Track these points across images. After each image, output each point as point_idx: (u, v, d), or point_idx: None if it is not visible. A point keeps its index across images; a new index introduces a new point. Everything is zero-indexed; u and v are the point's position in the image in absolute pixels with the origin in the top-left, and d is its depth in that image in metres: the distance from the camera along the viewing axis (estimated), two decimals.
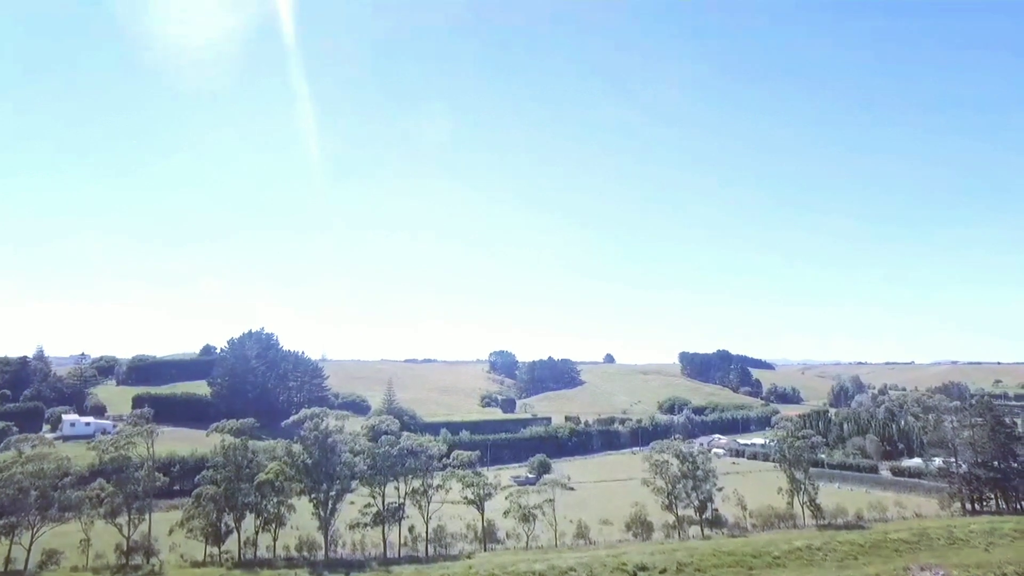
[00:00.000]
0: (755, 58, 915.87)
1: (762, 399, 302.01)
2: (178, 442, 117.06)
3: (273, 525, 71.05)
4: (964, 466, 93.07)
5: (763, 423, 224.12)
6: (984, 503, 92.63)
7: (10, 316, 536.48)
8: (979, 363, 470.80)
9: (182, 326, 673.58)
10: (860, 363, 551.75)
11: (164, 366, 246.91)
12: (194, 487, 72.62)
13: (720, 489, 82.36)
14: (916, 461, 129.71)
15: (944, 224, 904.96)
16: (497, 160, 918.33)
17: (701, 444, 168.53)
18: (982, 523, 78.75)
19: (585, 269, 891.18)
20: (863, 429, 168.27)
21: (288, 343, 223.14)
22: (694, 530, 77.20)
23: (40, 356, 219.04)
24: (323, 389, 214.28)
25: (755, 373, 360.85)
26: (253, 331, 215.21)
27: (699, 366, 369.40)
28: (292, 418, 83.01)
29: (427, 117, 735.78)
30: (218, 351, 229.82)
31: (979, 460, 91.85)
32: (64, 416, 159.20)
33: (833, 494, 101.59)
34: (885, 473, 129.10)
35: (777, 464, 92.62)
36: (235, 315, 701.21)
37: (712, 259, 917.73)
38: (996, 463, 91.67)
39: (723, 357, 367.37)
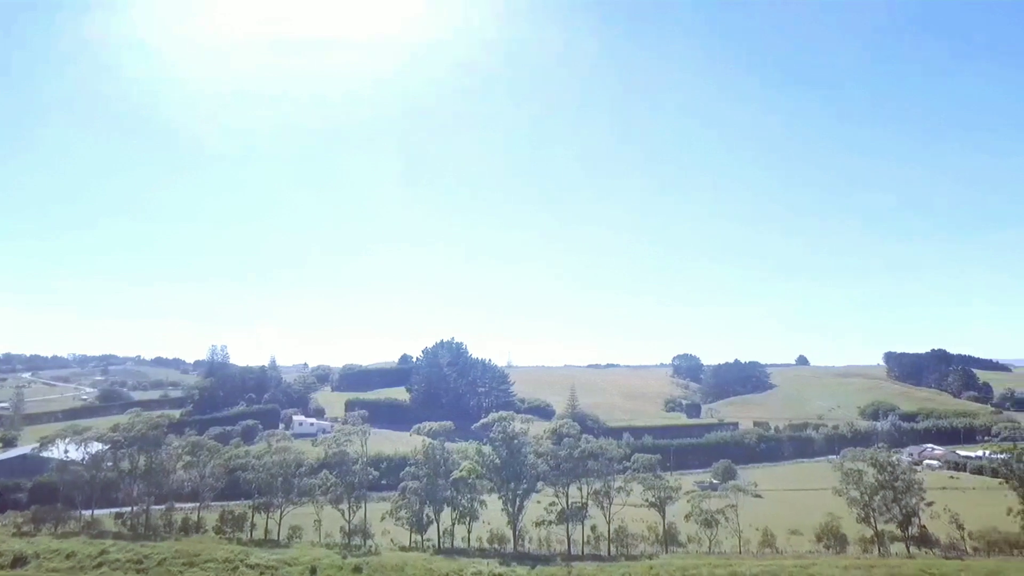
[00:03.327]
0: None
1: (993, 406, 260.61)
2: (382, 442, 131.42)
3: (467, 518, 78.34)
4: None
5: (993, 433, 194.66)
6: None
7: (247, 331, 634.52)
8: None
9: (382, 335, 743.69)
10: None
11: (368, 374, 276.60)
12: (398, 482, 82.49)
13: (929, 504, 74.85)
14: None
15: None
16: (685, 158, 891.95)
17: (910, 454, 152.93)
18: None
19: (772, 265, 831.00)
20: None
21: (476, 351, 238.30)
22: (897, 547, 70.87)
23: (273, 365, 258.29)
24: (509, 395, 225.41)
25: (983, 376, 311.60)
26: (444, 340, 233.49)
27: (909, 368, 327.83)
28: (481, 421, 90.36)
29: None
30: (414, 359, 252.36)
31: None
32: (294, 417, 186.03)
33: None
34: None
35: (1005, 480, 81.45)
36: (429, 325, 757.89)
37: (921, 243, 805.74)
38: None
39: (940, 357, 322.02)
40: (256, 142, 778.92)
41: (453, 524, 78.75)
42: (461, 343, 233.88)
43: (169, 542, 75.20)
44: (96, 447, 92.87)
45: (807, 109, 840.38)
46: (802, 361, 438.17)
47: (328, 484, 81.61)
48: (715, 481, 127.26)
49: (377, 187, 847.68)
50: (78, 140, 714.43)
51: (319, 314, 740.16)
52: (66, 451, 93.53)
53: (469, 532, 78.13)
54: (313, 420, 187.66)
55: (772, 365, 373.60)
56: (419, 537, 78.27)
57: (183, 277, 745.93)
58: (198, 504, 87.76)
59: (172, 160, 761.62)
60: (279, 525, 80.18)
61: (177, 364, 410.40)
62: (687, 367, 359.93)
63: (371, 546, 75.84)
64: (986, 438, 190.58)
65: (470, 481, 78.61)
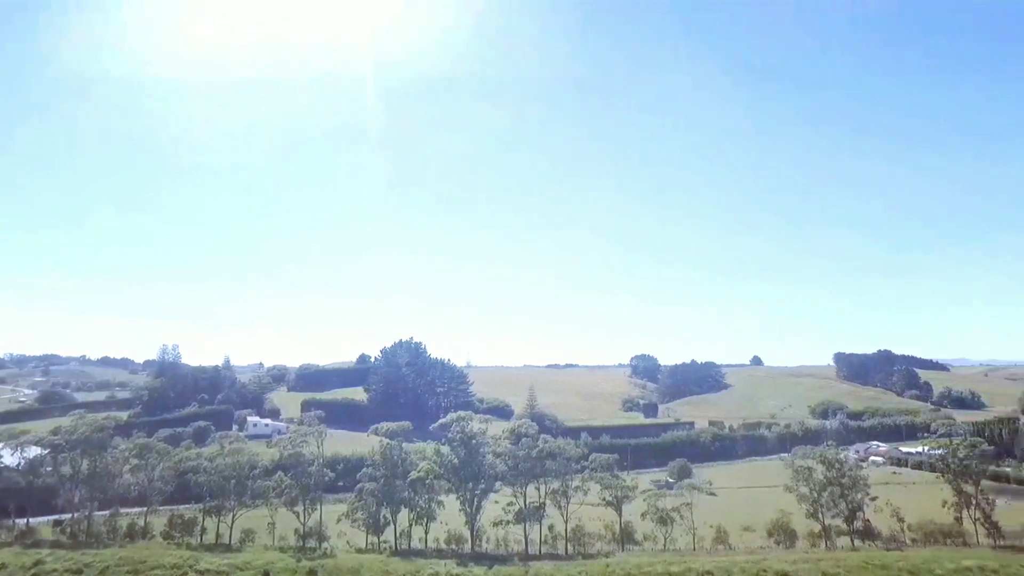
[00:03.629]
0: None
1: (932, 404, 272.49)
2: (339, 443, 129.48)
3: (424, 519, 77.82)
4: None
5: (932, 430, 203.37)
6: None
7: (203, 331, 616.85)
8: None
9: (340, 335, 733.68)
10: None
11: (326, 374, 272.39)
12: (355, 483, 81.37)
13: (873, 499, 77.64)
14: None
15: None
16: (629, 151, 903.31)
17: (856, 451, 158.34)
18: None
19: (727, 267, 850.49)
20: None
21: (435, 351, 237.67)
22: (843, 541, 73.40)
23: (227, 365, 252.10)
24: (468, 395, 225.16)
25: (924, 375, 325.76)
26: (403, 340, 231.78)
27: (857, 368, 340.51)
28: (440, 421, 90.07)
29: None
30: (372, 359, 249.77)
31: None
32: (248, 418, 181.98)
33: (1020, 513, 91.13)
34: None
35: (940, 475, 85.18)
36: (387, 324, 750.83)
37: (872, 251, 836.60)
38: None
39: (885, 358, 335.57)
40: (217, 142, 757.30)
41: (410, 525, 78.15)
42: (420, 343, 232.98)
43: (113, 549, 72.28)
44: (34, 451, 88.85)
45: (775, 110, 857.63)
46: (756, 361, 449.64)
47: (283, 486, 79.98)
48: (671, 480, 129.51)
49: (339, 189, 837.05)
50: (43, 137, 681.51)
51: (275, 313, 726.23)
52: (0, 456, 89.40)
53: (427, 533, 77.68)
54: (268, 421, 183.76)
55: (728, 365, 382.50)
56: (376, 539, 77.40)
57: (132, 274, 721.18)
58: (145, 509, 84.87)
59: (117, 153, 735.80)
60: (231, 529, 78.09)
61: (125, 364, 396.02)
62: (645, 367, 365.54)
63: (326, 548, 74.62)
64: (925, 435, 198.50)
65: (428, 482, 78.15)
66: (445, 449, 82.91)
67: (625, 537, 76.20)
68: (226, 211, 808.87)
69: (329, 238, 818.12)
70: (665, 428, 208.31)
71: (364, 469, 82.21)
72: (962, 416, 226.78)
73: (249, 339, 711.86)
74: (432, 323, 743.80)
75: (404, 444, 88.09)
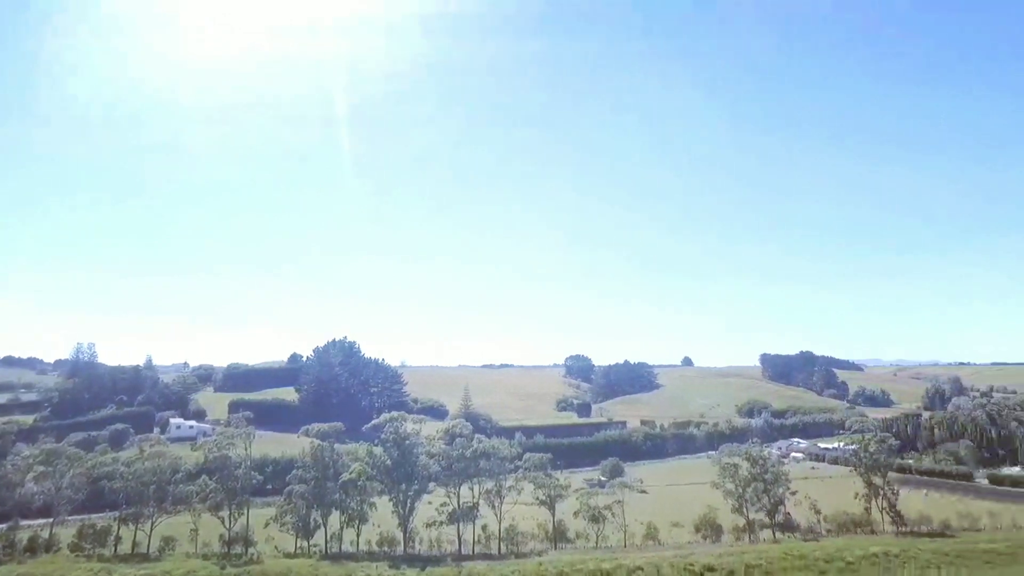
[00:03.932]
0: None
1: (848, 402, 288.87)
2: (269, 444, 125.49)
3: (356, 522, 76.51)
4: None
5: (847, 427, 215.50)
6: None
7: (121, 327, 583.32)
8: None
9: (270, 334, 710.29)
10: (962, 364, 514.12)
11: (255, 374, 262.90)
12: (285, 486, 79.09)
13: (793, 493, 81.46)
14: (1018, 469, 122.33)
15: None
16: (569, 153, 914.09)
17: (779, 448, 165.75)
18: None
19: (660, 268, 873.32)
20: (957, 434, 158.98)
21: (369, 351, 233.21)
22: (765, 534, 76.87)
23: (149, 365, 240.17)
24: (402, 395, 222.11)
25: (842, 375, 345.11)
26: (337, 340, 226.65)
27: (781, 368, 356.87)
28: (373, 422, 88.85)
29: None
30: (304, 359, 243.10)
31: None
32: (171, 420, 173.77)
33: (919, 501, 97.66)
34: (982, 481, 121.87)
35: (854, 468, 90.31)
36: (320, 323, 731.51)
37: (793, 257, 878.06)
38: None
39: (807, 359, 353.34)
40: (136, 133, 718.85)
41: (342, 528, 76.72)
42: (353, 342, 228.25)
43: (9, 566, 67.15)
44: None
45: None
46: (687, 362, 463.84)
47: (207, 490, 76.99)
48: (603, 478, 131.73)
49: (277, 187, 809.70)
50: None
51: (202, 311, 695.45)
52: None
53: (358, 535, 76.40)
54: (193, 423, 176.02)
55: (659, 366, 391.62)
56: (306, 543, 75.69)
57: (42, 265, 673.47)
58: (51, 520, 79.50)
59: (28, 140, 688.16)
60: (149, 537, 74.41)
61: (32, 364, 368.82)
62: (579, 368, 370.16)
63: (253, 554, 72.32)
64: (841, 431, 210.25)
65: (360, 483, 76.96)
66: (378, 450, 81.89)
67: (558, 536, 77.13)
68: (153, 201, 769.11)
69: (261, 235, 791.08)
70: (598, 428, 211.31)
71: (294, 471, 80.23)
72: (873, 413, 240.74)
73: (174, 338, 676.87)
74: (366, 323, 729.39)
75: (336, 445, 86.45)
